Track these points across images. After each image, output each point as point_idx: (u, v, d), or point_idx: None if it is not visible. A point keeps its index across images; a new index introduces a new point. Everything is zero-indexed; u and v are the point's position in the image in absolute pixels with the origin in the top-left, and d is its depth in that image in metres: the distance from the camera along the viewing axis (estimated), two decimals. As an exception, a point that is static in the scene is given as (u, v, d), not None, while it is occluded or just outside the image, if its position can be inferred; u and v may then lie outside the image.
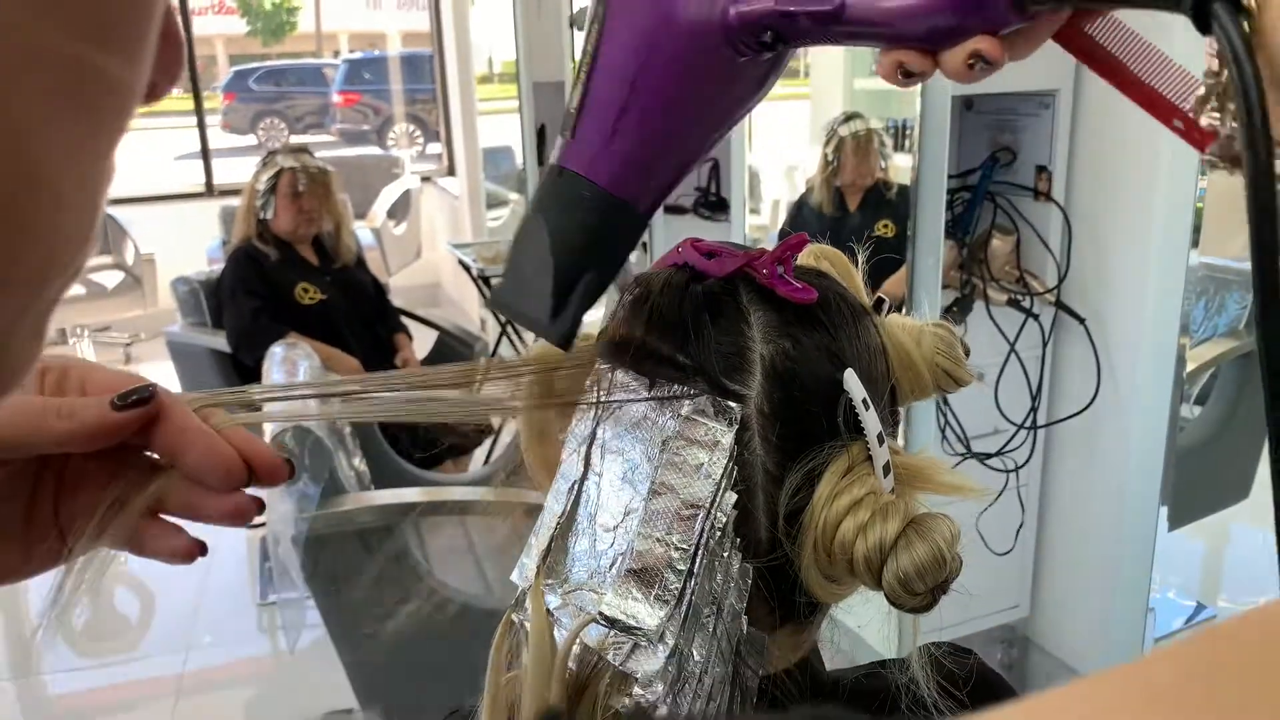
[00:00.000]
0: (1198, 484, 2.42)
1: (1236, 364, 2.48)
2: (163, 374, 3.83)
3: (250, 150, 10.23)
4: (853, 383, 0.51)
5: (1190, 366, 2.08)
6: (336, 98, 12.28)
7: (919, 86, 2.01)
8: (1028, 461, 2.26)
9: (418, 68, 10.45)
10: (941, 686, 0.57)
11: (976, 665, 0.64)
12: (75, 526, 0.44)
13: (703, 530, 0.49)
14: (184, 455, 0.43)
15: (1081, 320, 2.12)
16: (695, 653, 0.49)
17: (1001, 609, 2.40)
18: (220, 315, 3.16)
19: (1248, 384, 2.48)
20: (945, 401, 2.18)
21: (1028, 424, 2.23)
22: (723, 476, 0.50)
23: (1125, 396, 2.08)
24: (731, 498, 0.50)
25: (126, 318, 5.42)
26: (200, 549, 0.46)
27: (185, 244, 5.17)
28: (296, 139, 12.38)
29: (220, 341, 3.08)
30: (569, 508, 0.53)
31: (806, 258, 0.61)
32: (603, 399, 0.54)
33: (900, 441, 0.59)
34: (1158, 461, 1.94)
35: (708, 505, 0.50)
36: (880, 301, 0.60)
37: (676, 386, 0.52)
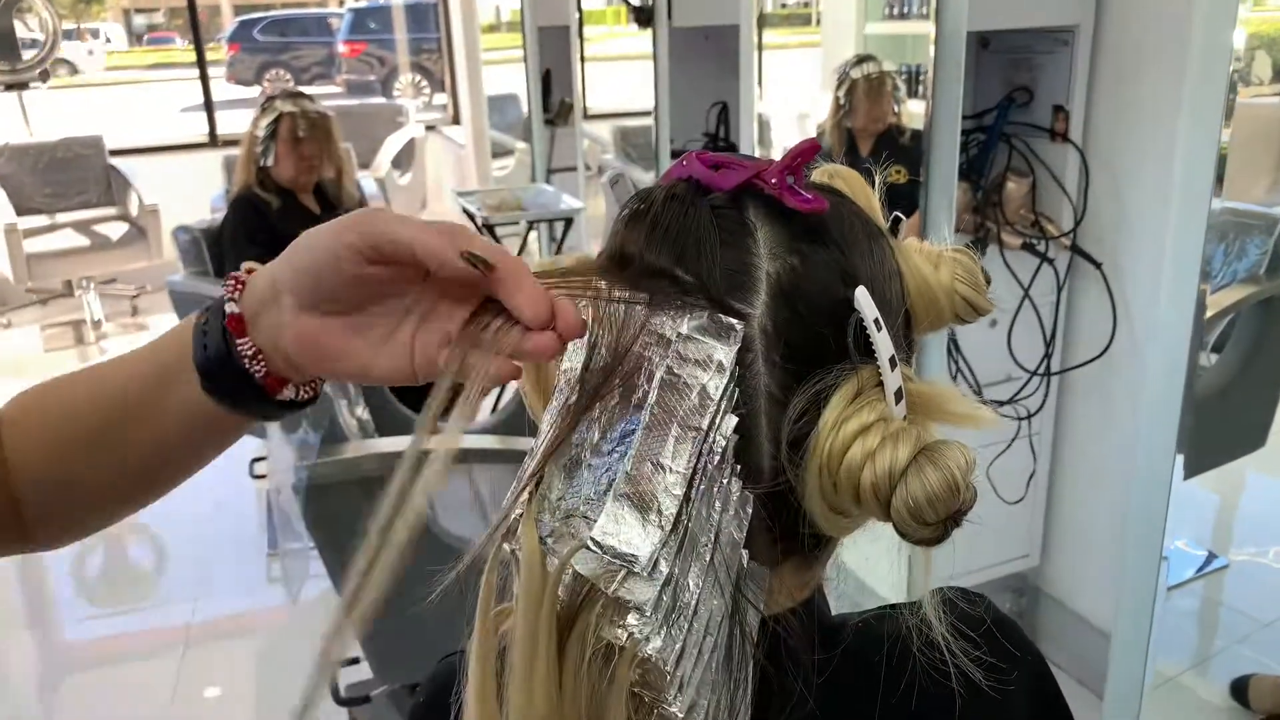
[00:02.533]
0: (1213, 432, 2.39)
1: (1255, 310, 2.43)
2: (167, 324, 3.82)
3: (255, 102, 10.13)
4: (864, 301, 0.48)
5: (1210, 312, 2.03)
6: (342, 48, 12.14)
7: (931, 22, 1.95)
8: (1040, 409, 2.23)
9: (422, 17, 10.30)
10: (955, 629, 0.54)
11: (990, 609, 0.61)
12: (425, 350, 0.51)
13: (700, 454, 0.47)
14: (513, 296, 0.48)
15: (1098, 265, 2.07)
16: (691, 582, 0.46)
17: (1012, 558, 2.38)
18: (222, 264, 3.13)
19: (1267, 331, 2.43)
20: (957, 348, 2.14)
21: (1041, 370, 2.19)
22: (722, 398, 0.47)
23: (1141, 343, 2.03)
24: (732, 421, 0.47)
25: (132, 269, 5.40)
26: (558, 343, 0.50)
27: (189, 195, 5.13)
28: (302, 90, 12.20)
29: (221, 290, 3.05)
30: (562, 431, 0.50)
31: (820, 176, 0.57)
32: (594, 323, 0.50)
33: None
34: (1174, 409, 1.90)
35: (706, 428, 0.47)
36: (897, 222, 0.56)
37: (677, 303, 0.48)
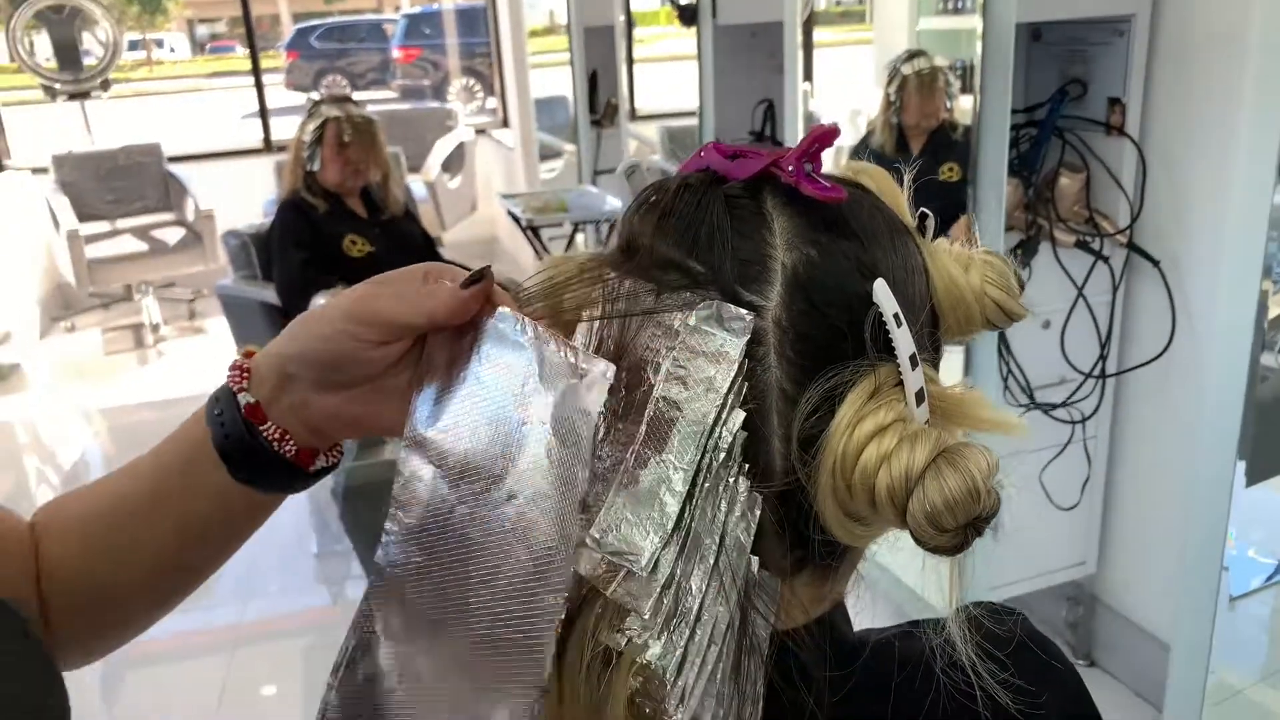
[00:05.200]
0: (1279, 437, 2.29)
1: (1324, 310, 2.33)
2: (224, 328, 3.88)
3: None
4: (883, 294, 0.45)
5: (1273, 312, 1.95)
6: (397, 53, 12.29)
7: (979, 16, 1.90)
8: (1095, 412, 2.16)
9: (473, 21, 10.38)
10: (981, 649, 0.51)
11: (1022, 626, 0.58)
12: None
13: (706, 449, 0.44)
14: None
15: (1156, 263, 2.00)
16: (694, 585, 0.44)
17: (1067, 565, 2.31)
18: (270, 268, 3.17)
19: (1337, 331, 2.33)
20: (1008, 349, 2.08)
21: (1096, 373, 2.13)
22: (729, 391, 0.45)
23: (1202, 343, 1.96)
24: (739, 416, 0.45)
25: (189, 273, 5.50)
26: None
27: (244, 200, 5.22)
28: (358, 96, 12.43)
29: (270, 294, 3.09)
30: None
31: (845, 172, 0.55)
32: (602, 314, 0.49)
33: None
34: (1235, 413, 1.83)
35: (712, 423, 0.44)
36: (925, 218, 0.53)
37: (686, 294, 0.46)
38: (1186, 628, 1.93)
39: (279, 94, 11.97)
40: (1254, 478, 1.94)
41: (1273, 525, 2.79)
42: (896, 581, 2.19)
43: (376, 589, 0.53)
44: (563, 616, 0.45)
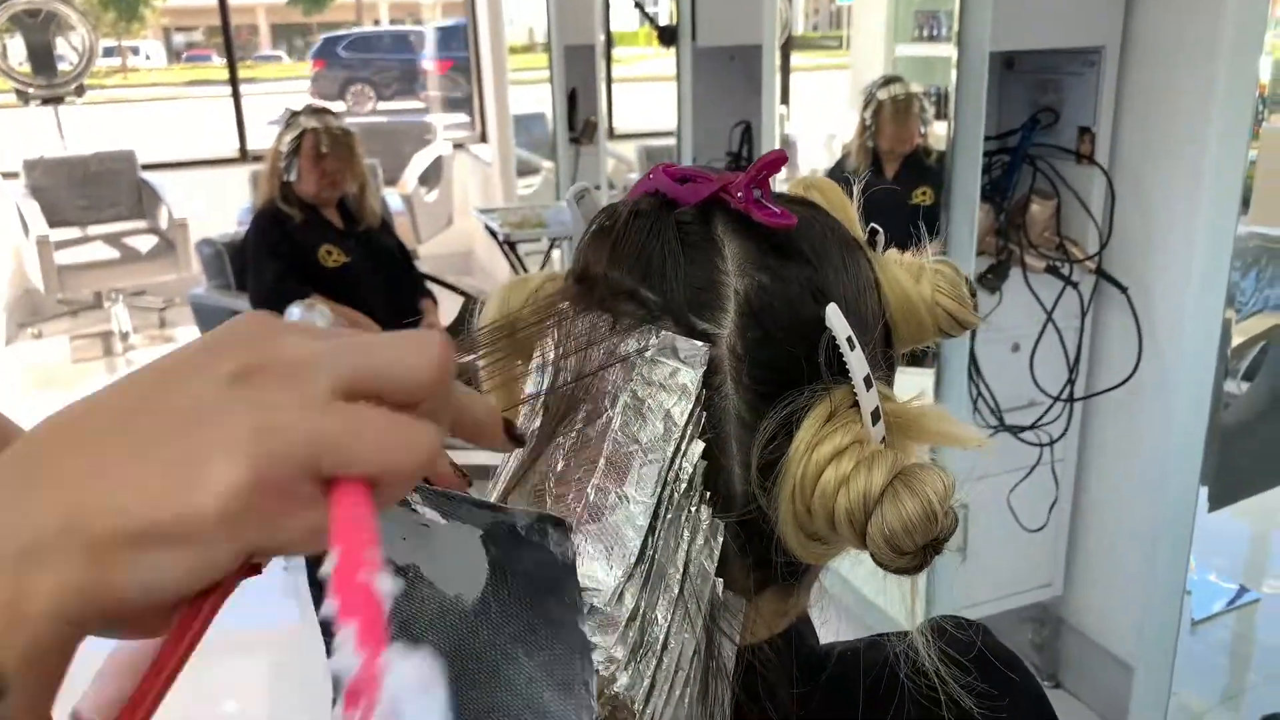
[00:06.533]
0: (1242, 463, 2.33)
1: (1287, 339, 2.37)
2: (194, 337, 3.83)
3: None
4: (835, 319, 0.46)
5: (1237, 340, 1.98)
6: (430, 64, 12.24)
7: (954, 44, 1.93)
8: (1063, 435, 2.19)
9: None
10: (946, 656, 0.52)
11: (983, 639, 0.58)
12: None
13: (666, 481, 0.44)
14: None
15: (1123, 289, 2.04)
16: (659, 615, 0.44)
17: (1033, 587, 2.33)
18: (244, 277, 3.15)
19: (1299, 360, 2.37)
20: (978, 371, 2.10)
21: (1064, 396, 2.15)
22: (688, 423, 0.45)
23: (1168, 370, 1.99)
24: (699, 446, 0.45)
25: (161, 281, 5.45)
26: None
27: (218, 209, 5.18)
28: (385, 105, 12.45)
29: (243, 304, 3.07)
30: (525, 461, 0.48)
31: (796, 188, 0.55)
32: (557, 347, 0.49)
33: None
34: (1199, 439, 1.86)
35: (671, 455, 0.44)
36: (875, 233, 0.54)
37: (641, 325, 0.46)
38: (1150, 650, 1.95)
39: (304, 102, 11.70)
40: (1217, 503, 1.97)
41: (1233, 550, 2.83)
42: (861, 599, 2.20)
43: None
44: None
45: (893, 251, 0.54)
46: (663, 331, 0.46)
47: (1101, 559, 2.27)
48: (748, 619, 0.49)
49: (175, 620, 0.29)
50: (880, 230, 0.54)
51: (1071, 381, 2.15)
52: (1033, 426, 2.16)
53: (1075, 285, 2.09)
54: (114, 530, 0.26)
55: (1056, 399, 2.15)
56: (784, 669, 0.51)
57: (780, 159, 0.48)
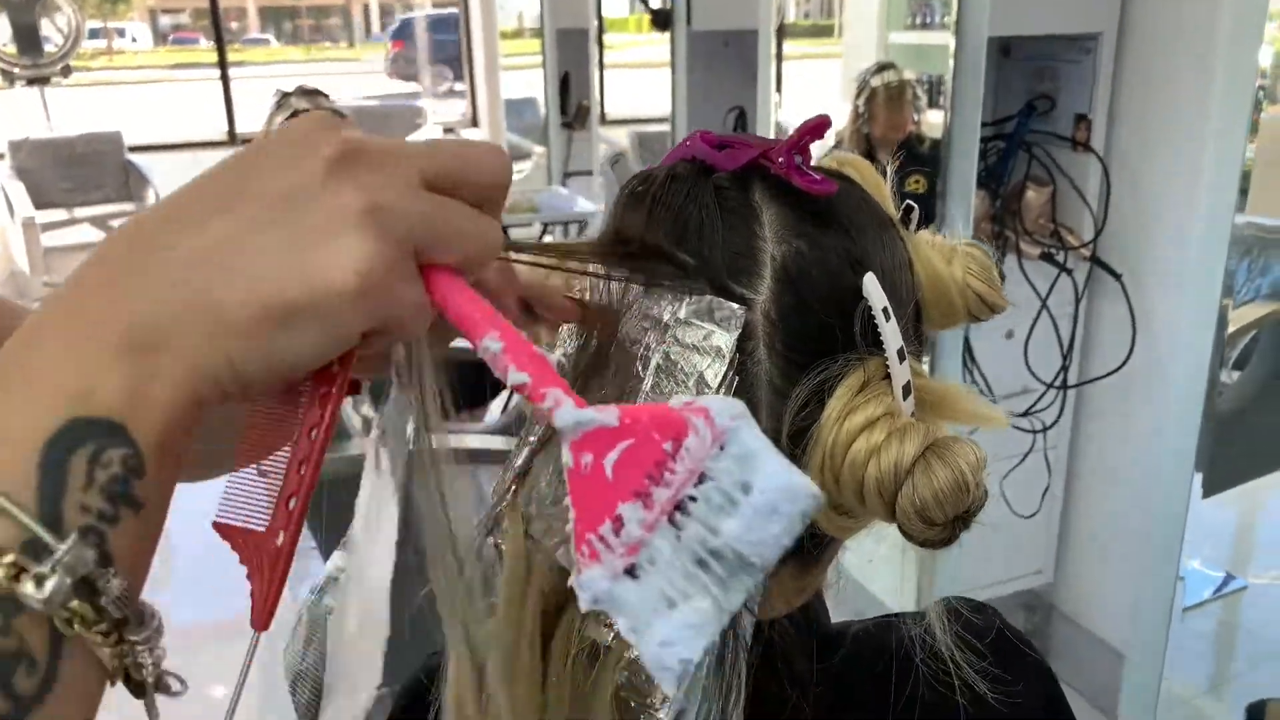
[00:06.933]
0: (1233, 451, 2.34)
1: (1278, 328, 2.38)
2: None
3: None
4: (872, 288, 0.45)
5: (1231, 329, 1.99)
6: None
7: (950, 31, 1.92)
8: (1056, 422, 2.19)
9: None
10: (960, 639, 0.52)
11: (998, 621, 0.58)
12: None
13: None
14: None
15: (1118, 276, 2.04)
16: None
17: (1024, 574, 2.34)
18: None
19: (1290, 349, 2.39)
20: (972, 358, 2.10)
21: (1058, 383, 2.16)
22: (720, 386, 0.44)
23: (1162, 357, 2.00)
24: None
25: (148, 266, 5.42)
26: None
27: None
28: (462, 86, 12.12)
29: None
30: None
31: (830, 164, 0.55)
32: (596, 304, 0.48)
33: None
34: (1193, 426, 1.87)
35: None
36: (909, 210, 0.53)
37: (676, 287, 0.46)
38: (1141, 637, 1.96)
39: (382, 82, 11.62)
40: (1209, 490, 1.98)
41: (1220, 538, 2.85)
42: (851, 581, 2.20)
43: None
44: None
45: (924, 233, 0.54)
46: (699, 294, 0.45)
47: (1093, 546, 2.28)
48: (767, 593, 0.49)
49: (309, 397, 0.31)
50: (915, 208, 0.53)
51: (1065, 369, 2.15)
52: (1026, 413, 2.16)
53: (1070, 272, 2.09)
54: (249, 310, 0.26)
55: (1050, 386, 2.15)
56: (802, 644, 0.51)
57: (824, 124, 0.48)
